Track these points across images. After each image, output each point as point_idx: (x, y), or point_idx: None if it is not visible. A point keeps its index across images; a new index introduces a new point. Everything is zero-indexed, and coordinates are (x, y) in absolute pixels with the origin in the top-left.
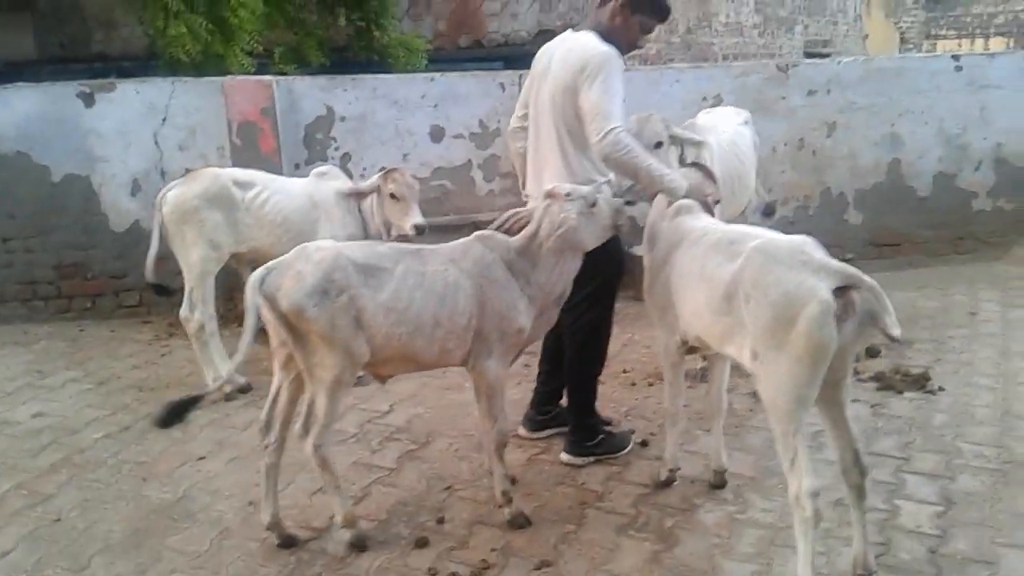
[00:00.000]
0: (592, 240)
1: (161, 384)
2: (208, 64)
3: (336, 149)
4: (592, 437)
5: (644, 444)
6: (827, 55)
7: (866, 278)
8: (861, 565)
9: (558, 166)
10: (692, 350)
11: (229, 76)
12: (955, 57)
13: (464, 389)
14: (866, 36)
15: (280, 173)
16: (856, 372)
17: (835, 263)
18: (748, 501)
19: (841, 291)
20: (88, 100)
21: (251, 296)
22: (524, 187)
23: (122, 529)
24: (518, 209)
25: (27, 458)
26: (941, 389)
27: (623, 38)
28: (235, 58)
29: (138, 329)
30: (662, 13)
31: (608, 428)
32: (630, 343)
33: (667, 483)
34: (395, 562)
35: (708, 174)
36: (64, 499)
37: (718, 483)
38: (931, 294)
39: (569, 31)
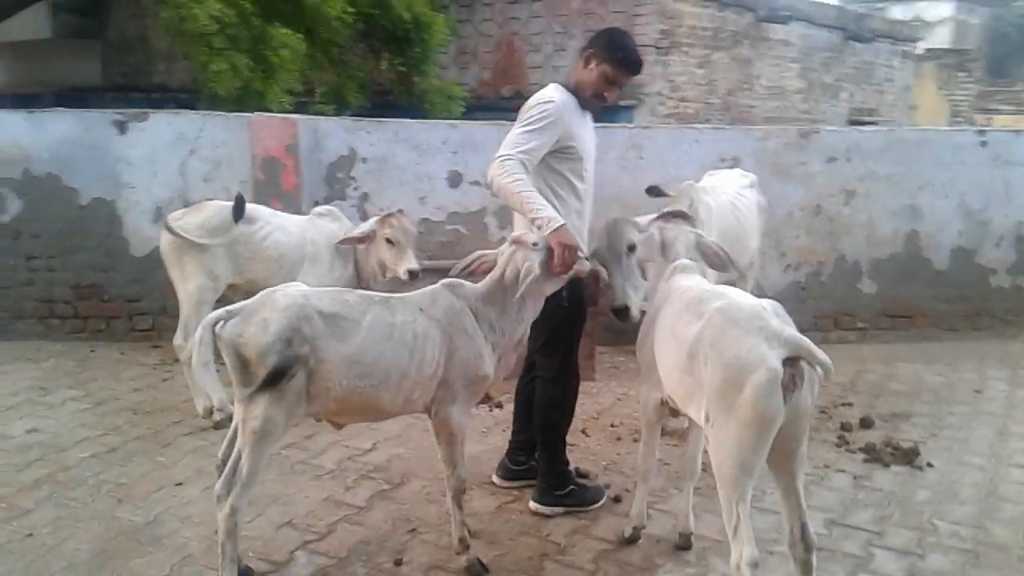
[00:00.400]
0: (552, 287)
1: (156, 408)
2: (248, 100)
3: (355, 189)
4: (563, 486)
5: (617, 500)
6: (872, 124)
7: (818, 353)
8: None
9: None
10: (674, 412)
11: (257, 112)
12: (980, 132)
13: None
14: (914, 107)
15: (300, 209)
16: (846, 442)
17: (789, 332)
18: (710, 564)
19: (791, 361)
20: (121, 128)
21: (204, 334)
22: None
23: (89, 549)
24: (484, 252)
25: (12, 472)
26: (929, 465)
27: (587, 88)
28: (274, 96)
29: (146, 353)
30: (628, 66)
31: (581, 481)
32: (624, 398)
33: (631, 540)
34: None
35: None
36: (40, 515)
37: (683, 545)
38: (939, 369)
39: None
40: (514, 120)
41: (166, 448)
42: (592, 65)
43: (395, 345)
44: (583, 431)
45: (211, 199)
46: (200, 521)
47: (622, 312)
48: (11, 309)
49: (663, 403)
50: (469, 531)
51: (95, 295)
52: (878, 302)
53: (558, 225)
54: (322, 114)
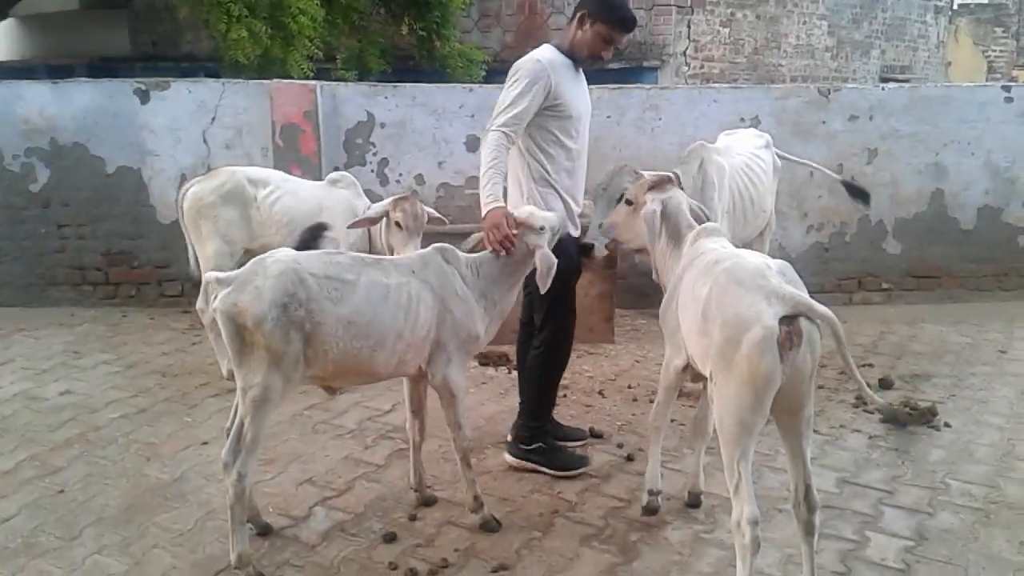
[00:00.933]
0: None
1: (184, 371)
2: (269, 68)
3: (374, 154)
4: (530, 441)
5: (630, 459)
6: (905, 81)
7: (819, 307)
8: None
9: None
10: (696, 377)
11: (276, 80)
12: (1006, 88)
13: (469, 394)
14: (949, 64)
15: (319, 174)
16: (863, 403)
17: (789, 290)
18: (718, 521)
19: (789, 320)
20: (144, 97)
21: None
22: None
23: (117, 504)
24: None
25: (46, 432)
26: (947, 425)
27: (583, 49)
28: (295, 63)
29: (176, 318)
30: (623, 24)
31: (562, 443)
32: (643, 360)
33: (650, 510)
34: (360, 554)
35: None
36: (71, 472)
37: (693, 503)
38: (964, 330)
39: None
40: None
41: (193, 409)
42: (587, 26)
43: (391, 306)
44: (600, 392)
45: (231, 165)
46: (222, 479)
47: (587, 249)
48: (44, 276)
49: (685, 368)
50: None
51: (125, 262)
52: (903, 263)
53: (488, 209)
54: (344, 80)
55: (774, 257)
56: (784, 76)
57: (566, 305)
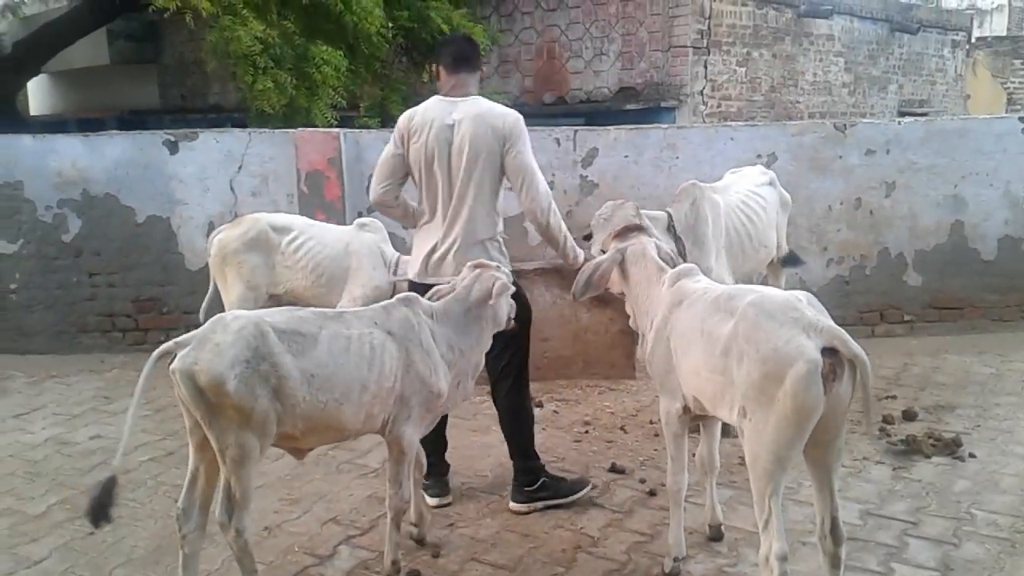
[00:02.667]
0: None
1: None
2: (295, 117)
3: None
4: (533, 482)
5: (652, 493)
6: (924, 115)
7: (853, 345)
8: None
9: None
10: (696, 418)
11: (301, 128)
12: (1022, 119)
13: (490, 432)
14: (968, 97)
15: (343, 219)
16: (887, 435)
17: (826, 322)
18: (741, 555)
19: (831, 351)
20: (172, 148)
21: (149, 368)
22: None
23: (145, 546)
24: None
25: (77, 476)
26: (971, 456)
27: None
28: (319, 111)
29: None
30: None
31: (557, 475)
32: None
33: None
34: None
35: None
36: None
37: (714, 536)
38: (988, 360)
39: (445, 99)
40: (555, 124)
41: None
42: (443, 76)
43: (353, 357)
44: (622, 428)
45: (258, 212)
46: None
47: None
48: (76, 323)
49: (685, 411)
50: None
51: (154, 308)
52: (924, 294)
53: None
54: (367, 127)
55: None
56: (802, 113)
57: (524, 344)
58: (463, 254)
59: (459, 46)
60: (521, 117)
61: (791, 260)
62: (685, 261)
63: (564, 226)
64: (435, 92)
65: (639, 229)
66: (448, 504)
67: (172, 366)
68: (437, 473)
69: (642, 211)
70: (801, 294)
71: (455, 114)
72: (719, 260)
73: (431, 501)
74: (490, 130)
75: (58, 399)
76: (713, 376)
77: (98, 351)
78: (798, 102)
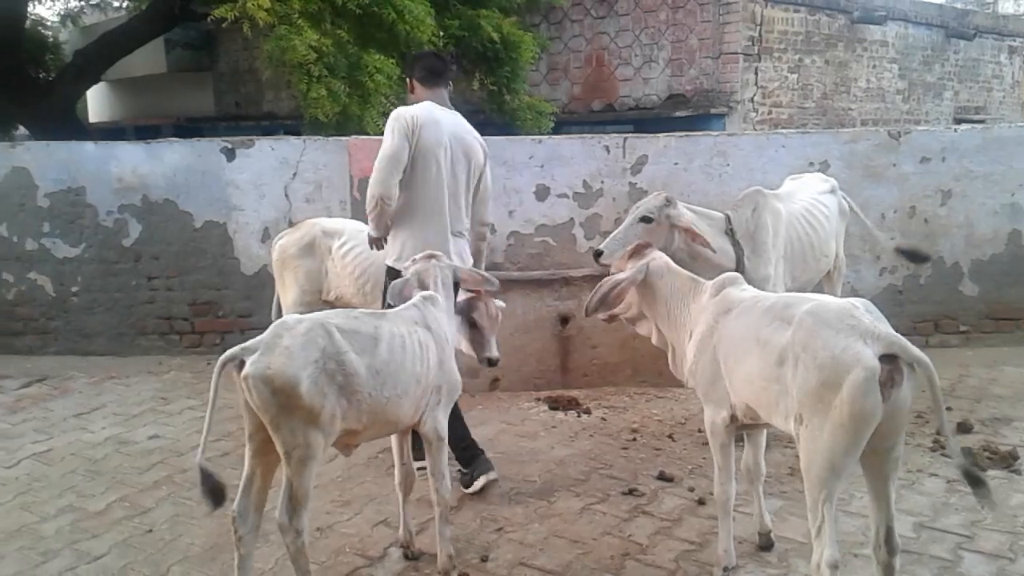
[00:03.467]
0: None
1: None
2: (347, 125)
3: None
4: (469, 462)
5: (701, 503)
6: (980, 122)
7: (914, 350)
8: None
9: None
10: (743, 427)
11: (354, 136)
12: None
13: (537, 437)
14: None
15: None
16: (941, 447)
17: (884, 329)
18: (792, 566)
19: (889, 358)
20: (230, 155)
21: (217, 375)
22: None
23: (202, 543)
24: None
25: (136, 475)
26: None
27: None
28: (371, 119)
29: None
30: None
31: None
32: None
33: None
34: None
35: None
36: (159, 513)
37: (764, 545)
38: None
39: (441, 108)
40: (604, 131)
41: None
42: (419, 89)
43: (409, 353)
44: (670, 436)
45: (312, 218)
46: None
47: (597, 255)
48: (135, 326)
49: (732, 420)
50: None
51: (210, 312)
52: (981, 304)
53: None
54: None
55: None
56: (855, 120)
57: None
58: (455, 245)
59: (433, 61)
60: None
61: (915, 256)
62: (742, 267)
63: None
64: (483, 99)
65: (650, 246)
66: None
67: (244, 372)
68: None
69: (699, 208)
70: (859, 301)
71: (459, 122)
72: (778, 268)
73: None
74: (479, 146)
75: (118, 399)
76: (769, 385)
77: (156, 353)
78: (851, 109)
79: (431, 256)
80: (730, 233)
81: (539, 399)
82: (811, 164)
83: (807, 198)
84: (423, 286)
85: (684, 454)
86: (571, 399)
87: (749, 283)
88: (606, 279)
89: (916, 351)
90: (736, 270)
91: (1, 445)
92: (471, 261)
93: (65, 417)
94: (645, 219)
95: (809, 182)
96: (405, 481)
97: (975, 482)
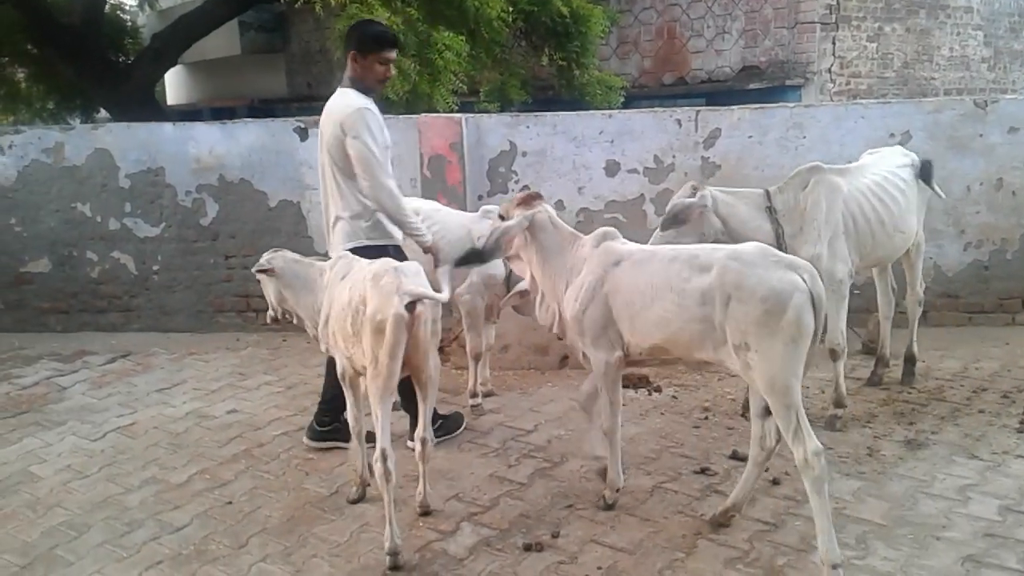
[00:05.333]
0: None
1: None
2: (417, 103)
3: (516, 182)
4: (327, 423)
5: (775, 482)
6: None
7: (820, 283)
8: None
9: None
10: (632, 364)
11: (424, 114)
12: None
13: None
14: None
15: (464, 203)
16: None
17: (798, 259)
18: (870, 548)
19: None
20: (303, 134)
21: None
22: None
23: (280, 516)
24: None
25: (215, 448)
26: None
27: (372, 81)
28: (441, 97)
29: None
30: (385, 43)
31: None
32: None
33: (612, 507)
34: (506, 569)
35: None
36: (238, 485)
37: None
38: None
39: (338, 89)
40: (675, 105)
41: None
42: (360, 60)
43: None
44: (742, 414)
45: None
46: (377, 493)
47: None
48: (213, 304)
49: (622, 360)
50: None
51: None
52: None
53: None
54: (487, 112)
55: (927, 277)
56: (937, 89)
57: None
58: (335, 235)
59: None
60: (364, 107)
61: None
62: (782, 245)
63: (406, 210)
64: (552, 74)
65: (540, 197)
66: None
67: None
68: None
69: (735, 189)
70: (757, 243)
71: (331, 102)
72: (833, 246)
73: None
74: (331, 120)
75: (197, 375)
76: (690, 325)
77: (233, 330)
78: (933, 78)
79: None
80: (769, 210)
81: None
82: (892, 135)
83: (880, 172)
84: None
85: (745, 431)
86: (641, 376)
87: None
88: (498, 226)
89: (820, 283)
90: (776, 247)
91: (88, 419)
92: (366, 241)
93: (148, 392)
94: (501, 217)
95: (887, 156)
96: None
97: None
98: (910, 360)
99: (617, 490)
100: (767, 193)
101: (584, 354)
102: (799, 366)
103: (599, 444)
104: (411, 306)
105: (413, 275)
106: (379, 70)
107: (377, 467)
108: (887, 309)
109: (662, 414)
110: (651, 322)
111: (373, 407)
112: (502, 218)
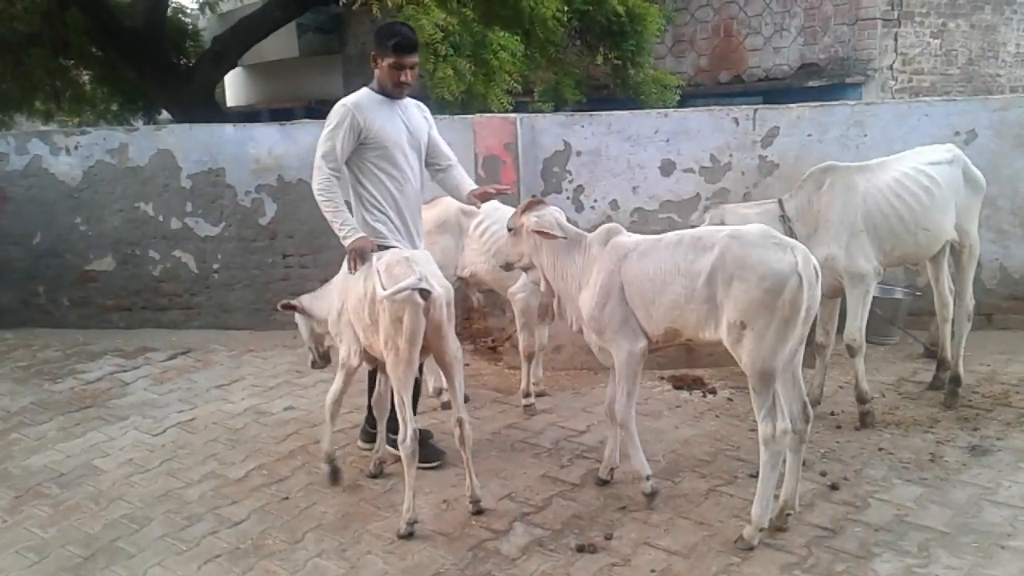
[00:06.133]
0: None
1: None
2: (472, 103)
3: (570, 181)
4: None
5: (834, 487)
6: None
7: (812, 258)
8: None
9: None
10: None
11: (478, 114)
12: None
13: (662, 417)
14: None
15: (518, 203)
16: None
17: (793, 240)
18: (933, 556)
19: None
20: None
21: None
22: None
23: (335, 512)
24: None
25: (272, 444)
26: None
27: (387, 84)
28: (495, 97)
29: None
30: (398, 48)
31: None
32: (846, 386)
33: (604, 483)
34: (559, 569)
35: None
36: (295, 481)
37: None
38: None
39: None
40: (732, 103)
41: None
42: (378, 63)
43: None
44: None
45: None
46: (430, 491)
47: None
48: (271, 301)
49: (647, 347)
50: None
51: None
52: None
53: (351, 240)
54: (541, 111)
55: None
56: (1003, 87)
57: None
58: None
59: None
60: (337, 105)
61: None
62: None
63: (324, 206)
64: (606, 74)
65: (543, 203)
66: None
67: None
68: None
69: (749, 203)
70: (760, 225)
71: None
72: (852, 244)
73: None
74: None
75: (255, 372)
76: (696, 306)
77: (291, 328)
78: (999, 75)
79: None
80: (783, 220)
81: (663, 378)
82: (956, 133)
83: (903, 168)
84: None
85: (816, 438)
86: (696, 378)
87: None
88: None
89: (814, 259)
90: None
91: (149, 414)
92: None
93: (207, 388)
94: (510, 229)
95: (923, 152)
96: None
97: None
98: (954, 380)
99: (647, 477)
100: (780, 202)
101: (601, 349)
102: (787, 347)
103: (638, 460)
104: (425, 292)
105: (424, 263)
106: (393, 74)
107: (406, 447)
108: (945, 311)
109: (717, 416)
110: (664, 306)
111: (397, 392)
112: (510, 230)
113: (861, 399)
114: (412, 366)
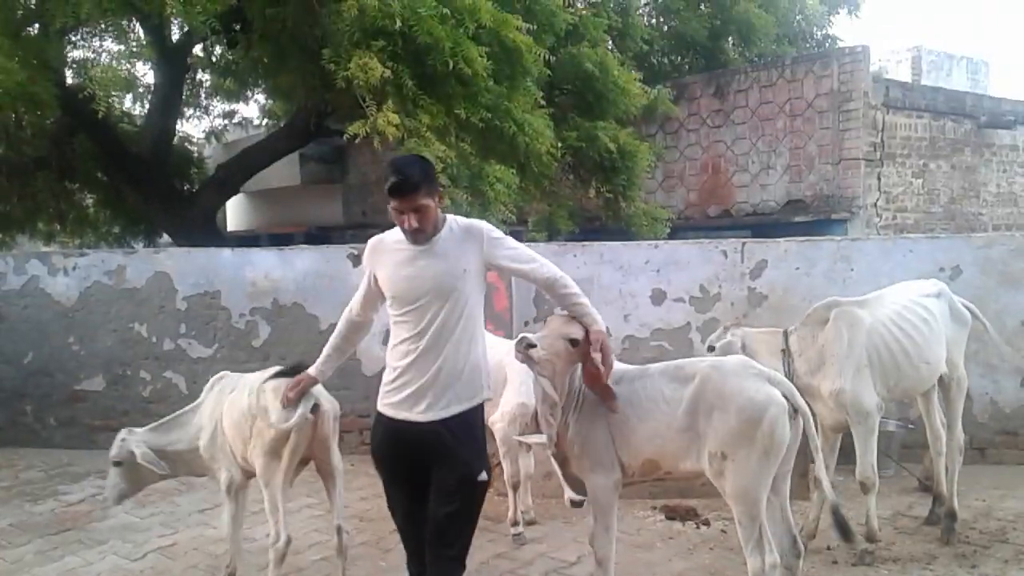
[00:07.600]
0: None
1: (380, 516)
2: None
3: (562, 309)
4: None
5: None
6: None
7: (798, 397)
8: None
9: None
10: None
11: None
12: None
13: (654, 548)
14: None
15: (510, 329)
16: None
17: (776, 374)
18: None
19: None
20: (356, 260)
21: None
22: None
23: None
24: None
25: (254, 571)
26: None
27: (398, 224)
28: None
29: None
30: (391, 191)
31: None
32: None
33: None
34: None
35: None
36: None
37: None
38: None
39: None
40: (720, 236)
41: (387, 553)
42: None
43: None
44: None
45: None
46: None
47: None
48: None
49: (621, 480)
50: None
51: None
52: None
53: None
54: (535, 241)
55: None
56: (985, 225)
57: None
58: None
59: None
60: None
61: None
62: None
63: None
64: (599, 206)
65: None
66: None
67: None
68: None
69: (755, 330)
70: (740, 356)
71: None
72: (857, 379)
73: None
74: None
75: None
76: (678, 435)
77: None
78: (981, 214)
79: None
80: (784, 353)
81: (655, 507)
82: (941, 270)
83: (900, 302)
84: None
85: (812, 572)
86: (689, 508)
87: (811, 399)
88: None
89: (799, 398)
90: None
91: (129, 538)
92: None
93: (190, 512)
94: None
95: (913, 285)
96: None
97: (840, 525)
98: (950, 515)
99: None
100: (784, 333)
101: (569, 478)
102: (769, 479)
103: None
104: (314, 407)
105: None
106: (398, 219)
107: (278, 548)
108: (938, 445)
109: (711, 549)
110: (644, 436)
111: (272, 498)
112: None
113: (870, 538)
114: (289, 475)
